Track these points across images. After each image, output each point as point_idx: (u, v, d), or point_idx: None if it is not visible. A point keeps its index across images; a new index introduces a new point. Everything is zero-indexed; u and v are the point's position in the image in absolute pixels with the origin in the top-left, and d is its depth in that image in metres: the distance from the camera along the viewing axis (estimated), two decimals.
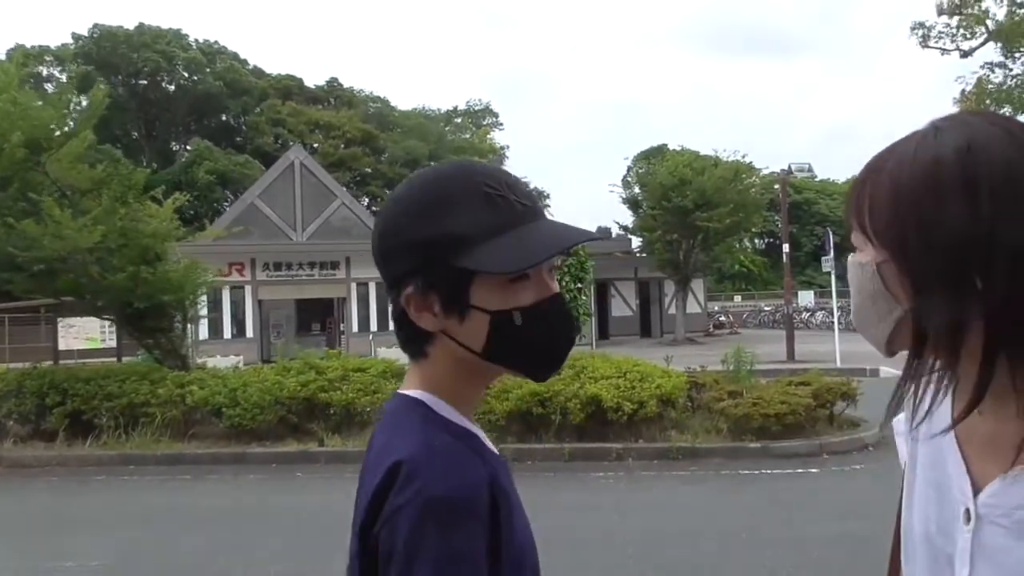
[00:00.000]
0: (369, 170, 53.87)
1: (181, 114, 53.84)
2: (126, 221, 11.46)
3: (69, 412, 10.73)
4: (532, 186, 57.62)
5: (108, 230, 11.05)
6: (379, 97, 61.96)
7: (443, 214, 1.02)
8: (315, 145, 51.93)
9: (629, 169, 41.96)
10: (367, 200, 49.82)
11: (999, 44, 28.61)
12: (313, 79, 65.58)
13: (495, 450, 1.10)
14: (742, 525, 6.48)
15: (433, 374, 1.08)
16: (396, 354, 19.03)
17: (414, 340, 1.08)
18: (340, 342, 26.78)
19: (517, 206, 1.04)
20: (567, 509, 7.31)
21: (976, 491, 0.95)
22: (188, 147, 51.72)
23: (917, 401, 1.00)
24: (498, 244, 1.01)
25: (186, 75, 53.32)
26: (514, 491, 1.06)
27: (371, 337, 25.40)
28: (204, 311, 18.29)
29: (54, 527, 7.25)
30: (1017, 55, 28.73)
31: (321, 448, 9.95)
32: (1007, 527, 0.92)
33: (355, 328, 28.27)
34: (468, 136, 55.05)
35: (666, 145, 41.38)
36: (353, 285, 28.46)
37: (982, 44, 29.08)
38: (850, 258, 0.99)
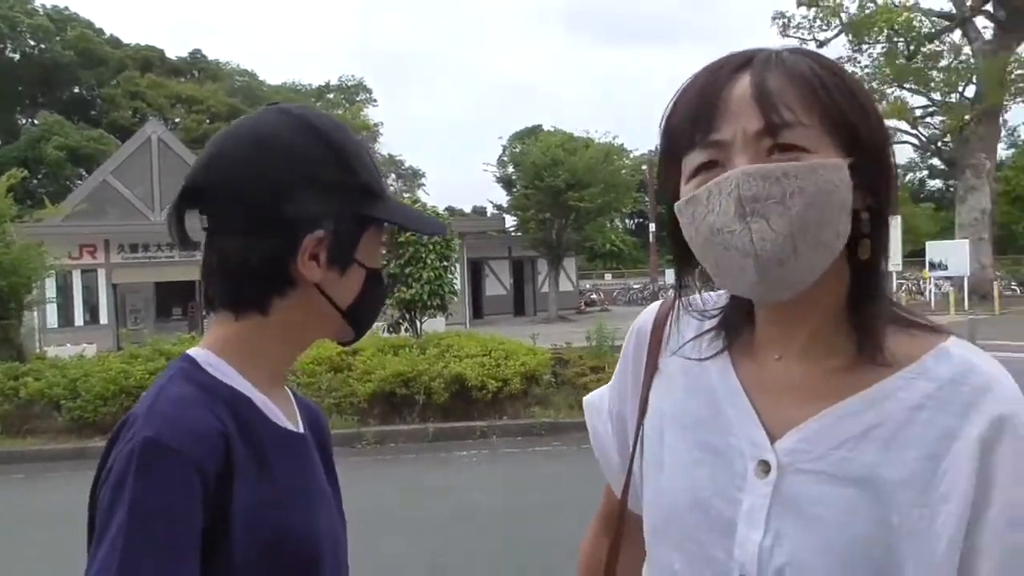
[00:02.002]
0: None
1: (27, 85, 50.13)
2: None
3: None
4: (407, 164, 57.21)
5: None
6: (246, 71, 59.80)
7: (356, 163, 1.01)
8: (177, 120, 49.56)
9: (504, 149, 42.15)
10: None
11: (850, 36, 30.26)
12: (175, 50, 62.68)
13: (285, 422, 1.03)
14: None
15: (250, 335, 1.01)
16: None
17: (265, 292, 1.00)
18: (203, 327, 25.70)
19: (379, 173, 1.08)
20: (430, 490, 7.23)
21: (772, 441, 0.89)
22: (35, 121, 48.28)
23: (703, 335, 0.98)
24: (392, 203, 1.05)
25: (32, 43, 49.70)
26: (294, 469, 1.00)
27: None
28: (50, 297, 17.08)
29: None
30: (865, 47, 30.49)
31: None
32: (820, 472, 0.85)
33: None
34: (341, 112, 53.74)
35: (541, 126, 41.82)
36: None
37: (836, 35, 30.71)
38: (811, 162, 0.82)
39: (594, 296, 37.54)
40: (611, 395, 1.14)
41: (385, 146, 58.63)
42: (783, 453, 0.87)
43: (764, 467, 0.88)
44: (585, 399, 1.21)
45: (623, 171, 31.67)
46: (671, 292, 1.05)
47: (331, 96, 57.35)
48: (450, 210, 45.30)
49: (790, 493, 0.86)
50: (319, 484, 1.05)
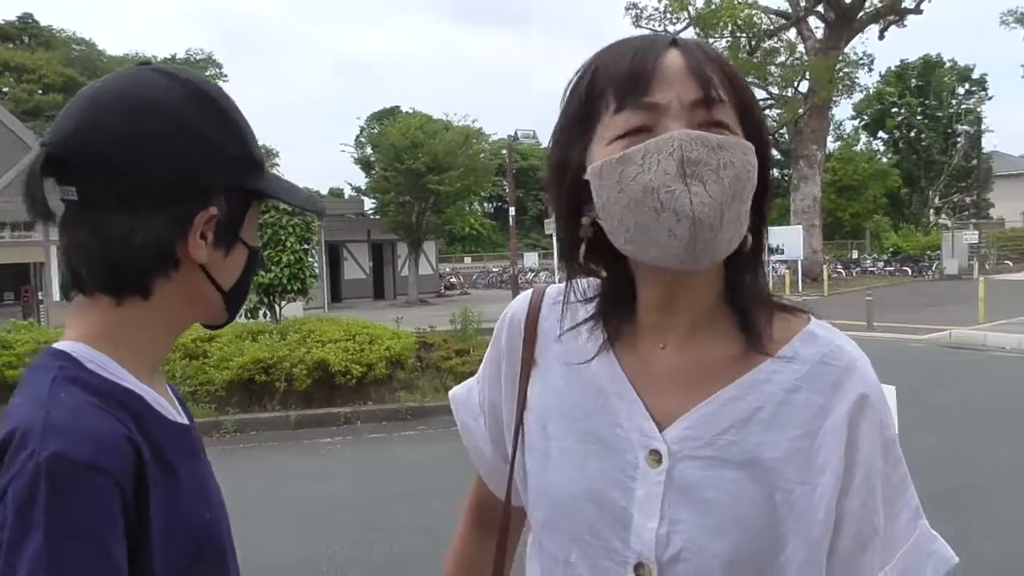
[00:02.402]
0: None
1: None
2: None
3: None
4: (261, 143, 55.31)
5: None
6: (84, 39, 55.74)
7: (244, 132, 0.95)
8: (4, 90, 45.65)
9: (362, 130, 41.46)
10: None
11: (698, 29, 31.59)
12: (1, 14, 57.49)
13: (176, 416, 0.96)
14: (472, 480, 6.64)
15: (126, 321, 0.91)
16: None
17: (148, 273, 0.90)
18: (39, 313, 23.96)
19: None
20: (294, 478, 7.11)
21: (660, 430, 0.91)
22: None
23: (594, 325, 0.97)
24: (274, 176, 0.98)
25: None
26: (191, 464, 0.94)
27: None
28: None
29: None
30: (711, 40, 31.94)
31: None
32: (709, 457, 0.89)
33: (57, 296, 25.46)
34: None
35: (399, 107, 41.34)
36: (53, 248, 25.53)
37: (685, 28, 31.94)
38: (740, 140, 0.85)
39: (454, 280, 37.63)
40: (481, 387, 1.11)
41: None
42: (672, 441, 0.89)
43: (655, 456, 0.89)
44: (451, 393, 1.17)
45: (482, 155, 31.83)
46: (540, 280, 1.09)
47: None
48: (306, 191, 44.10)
49: (681, 480, 0.88)
50: (211, 474, 1.01)
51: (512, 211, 23.49)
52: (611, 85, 0.86)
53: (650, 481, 0.90)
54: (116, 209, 0.87)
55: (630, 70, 0.85)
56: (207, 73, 53.93)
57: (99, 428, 0.82)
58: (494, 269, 42.03)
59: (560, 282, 1.03)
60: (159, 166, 0.88)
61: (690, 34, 31.65)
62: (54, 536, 0.76)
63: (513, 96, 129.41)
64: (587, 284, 1.00)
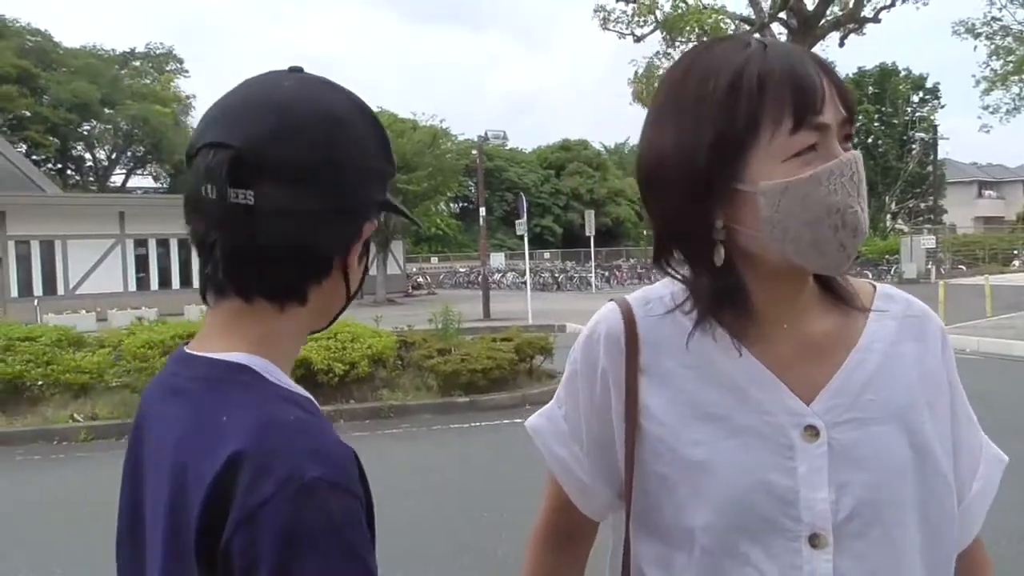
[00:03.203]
0: (27, 113, 47.20)
1: None
2: None
3: None
4: None
5: None
6: (38, 30, 54.30)
7: (389, 147, 0.96)
8: None
9: None
10: (24, 147, 43.71)
11: (664, 33, 31.92)
12: None
13: None
14: (456, 478, 6.69)
15: (278, 329, 0.90)
16: (70, 320, 17.07)
17: (307, 280, 0.90)
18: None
19: None
20: None
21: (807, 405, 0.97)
22: None
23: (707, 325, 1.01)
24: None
25: None
26: None
27: (36, 303, 22.45)
28: None
29: None
30: (678, 45, 32.26)
31: None
32: (856, 419, 0.97)
33: (14, 293, 24.86)
34: (149, 82, 50.24)
35: None
36: (11, 244, 24.94)
37: (652, 31, 32.24)
38: (857, 153, 0.93)
39: (421, 280, 37.55)
40: (567, 412, 1.11)
41: (198, 120, 55.53)
42: (822, 413, 0.96)
43: (810, 431, 0.95)
44: (531, 426, 1.16)
45: (448, 155, 31.82)
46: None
47: (137, 64, 53.39)
48: None
49: (839, 446, 0.95)
50: None
51: (483, 211, 23.50)
52: (784, 102, 0.89)
53: (811, 455, 0.95)
54: (292, 216, 0.86)
55: (802, 86, 0.89)
56: (168, 68, 53.08)
57: (340, 448, 0.82)
58: (461, 269, 41.97)
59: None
60: (345, 179, 0.89)
61: (656, 38, 31.87)
62: (327, 559, 0.76)
63: (473, 96, 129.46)
64: (669, 292, 1.05)
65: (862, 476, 0.95)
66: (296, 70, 0.94)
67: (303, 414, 0.84)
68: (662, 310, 1.04)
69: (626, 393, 1.02)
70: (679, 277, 1.01)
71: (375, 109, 0.96)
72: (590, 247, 30.21)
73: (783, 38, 32.31)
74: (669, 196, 0.97)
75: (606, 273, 35.58)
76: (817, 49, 34.17)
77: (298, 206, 0.86)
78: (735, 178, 0.92)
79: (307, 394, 0.91)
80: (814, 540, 0.94)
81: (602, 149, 51.71)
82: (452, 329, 10.84)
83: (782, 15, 32.22)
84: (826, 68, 0.93)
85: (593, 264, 31.83)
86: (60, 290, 25.61)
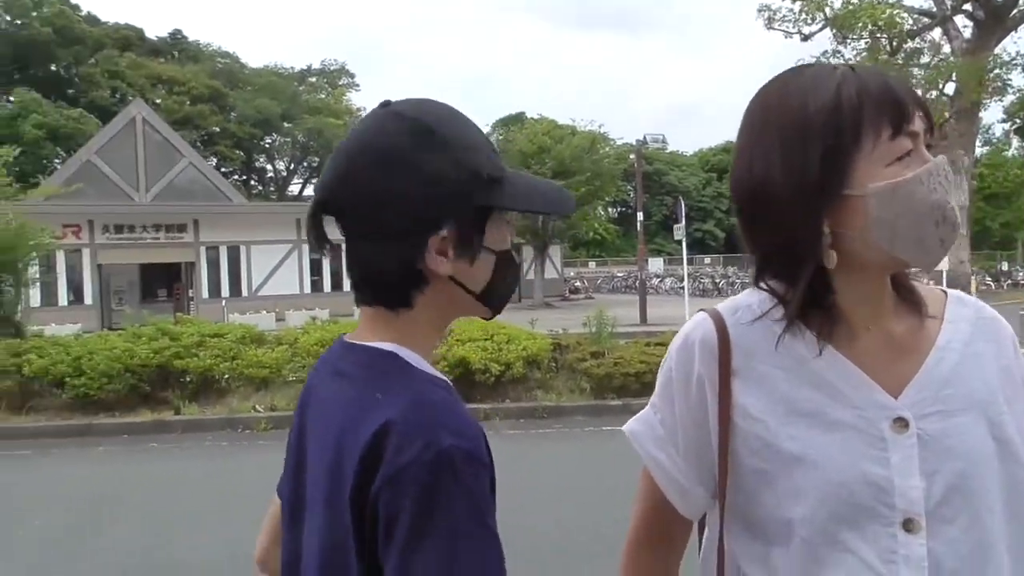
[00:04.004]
0: (217, 129, 51.48)
1: (3, 62, 49.27)
2: None
3: None
4: None
5: None
6: (227, 52, 59.12)
7: (473, 156, 1.03)
8: (157, 101, 48.98)
9: (488, 135, 42.04)
10: (215, 160, 47.56)
11: (834, 31, 30.55)
12: (154, 30, 61.78)
13: None
14: (607, 480, 6.72)
15: (410, 325, 1.05)
16: (253, 320, 18.43)
17: (404, 288, 1.04)
18: (189, 309, 25.58)
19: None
20: None
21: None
22: (11, 99, 47.48)
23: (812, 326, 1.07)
24: (513, 184, 1.06)
25: (8, 18, 48.82)
26: None
27: (224, 303, 24.41)
28: (37, 275, 17.01)
29: None
30: (849, 42, 30.81)
31: (177, 417, 9.51)
32: (940, 411, 1.04)
33: (205, 294, 27.10)
34: (323, 96, 53.36)
35: (524, 113, 41.76)
36: (203, 249, 27.21)
37: (820, 29, 30.93)
38: (944, 158, 1.04)
39: (578, 284, 37.73)
40: (667, 419, 1.17)
41: None
42: (910, 406, 1.04)
43: (900, 423, 1.03)
44: (629, 430, 1.23)
45: (607, 160, 31.82)
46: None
47: (313, 80, 56.85)
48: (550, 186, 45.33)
49: (927, 436, 1.02)
50: None
51: (640, 215, 23.37)
52: (883, 113, 1.00)
53: (903, 446, 1.02)
54: (367, 239, 1.03)
55: (895, 99, 1.01)
56: (340, 82, 56.07)
57: (472, 423, 0.95)
58: (618, 274, 41.83)
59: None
60: (395, 208, 1.01)
61: (826, 35, 30.48)
62: (460, 518, 0.88)
63: (631, 101, 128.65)
64: (756, 300, 1.12)
65: (950, 464, 1.02)
66: (384, 104, 1.08)
67: (445, 395, 0.98)
68: (751, 317, 1.11)
69: (720, 395, 1.09)
70: (775, 291, 1.09)
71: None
72: None
73: (967, 32, 30.26)
74: (778, 211, 1.04)
75: None
76: (1008, 42, 31.72)
77: (366, 232, 1.03)
78: (844, 184, 1.01)
79: (445, 378, 1.05)
80: (908, 525, 1.00)
81: None
82: (606, 333, 10.87)
83: (967, 7, 30.13)
84: (906, 85, 1.05)
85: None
86: (244, 292, 27.65)
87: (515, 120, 40.28)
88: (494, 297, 1.09)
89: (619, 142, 32.97)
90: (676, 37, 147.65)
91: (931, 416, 1.03)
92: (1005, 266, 36.72)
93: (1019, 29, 30.59)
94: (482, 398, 9.59)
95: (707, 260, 47.88)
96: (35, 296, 21.78)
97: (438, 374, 1.04)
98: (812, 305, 1.06)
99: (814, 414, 1.04)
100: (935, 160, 1.02)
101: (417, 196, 1.00)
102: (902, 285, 1.11)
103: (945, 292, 1.15)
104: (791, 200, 1.02)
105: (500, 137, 37.03)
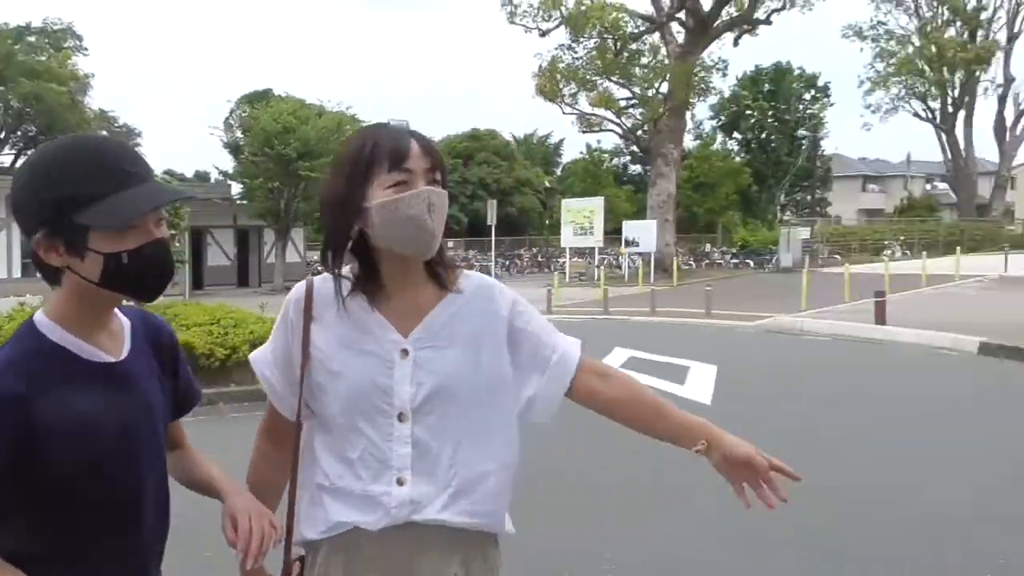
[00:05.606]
0: None
1: None
2: None
3: None
4: (121, 122, 52.17)
5: None
6: None
7: (65, 180, 1.29)
8: None
9: (232, 112, 40.11)
10: None
11: (568, 29, 32.59)
12: None
13: (104, 357, 1.39)
14: None
15: (60, 299, 1.37)
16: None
17: (46, 273, 1.36)
18: None
19: (121, 173, 1.32)
20: None
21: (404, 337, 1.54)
22: None
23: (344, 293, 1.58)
24: (107, 204, 1.29)
25: None
26: (99, 392, 1.36)
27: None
28: None
29: None
30: (581, 40, 32.96)
31: None
32: (433, 345, 1.55)
33: None
34: (45, 58, 48.08)
35: (271, 90, 40.18)
36: None
37: (556, 27, 32.82)
38: (446, 192, 1.53)
39: (321, 267, 37.08)
40: (275, 346, 1.64)
41: (96, 100, 52.94)
42: (412, 342, 1.54)
43: (404, 353, 1.54)
44: (251, 356, 1.70)
45: None
46: (314, 273, 1.67)
47: (32, 39, 50.92)
48: (170, 173, 42.14)
49: (420, 361, 1.54)
50: (127, 395, 1.41)
51: None
52: (384, 155, 1.50)
53: (403, 366, 1.54)
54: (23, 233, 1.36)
55: (393, 148, 1.50)
56: (66, 45, 50.87)
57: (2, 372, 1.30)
58: None
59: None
60: (17, 216, 1.35)
61: (561, 34, 32.09)
62: None
63: (381, 84, 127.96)
64: (352, 273, 1.60)
65: (432, 379, 1.54)
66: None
67: (15, 342, 1.35)
68: (331, 285, 1.59)
69: (304, 333, 1.58)
70: (338, 274, 1.58)
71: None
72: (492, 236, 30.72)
73: (680, 37, 33.49)
74: (331, 215, 1.55)
75: (507, 262, 36.10)
76: (715, 47, 35.42)
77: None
78: (364, 199, 1.50)
79: (58, 341, 1.36)
80: (401, 417, 1.54)
81: (511, 139, 51.87)
82: None
83: (680, 15, 33.32)
84: (420, 138, 1.54)
85: (494, 253, 32.15)
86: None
87: (261, 97, 38.62)
88: (118, 285, 1.34)
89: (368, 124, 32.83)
90: (437, 18, 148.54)
91: (425, 349, 1.54)
92: (708, 248, 40.63)
93: (722, 37, 34.51)
94: (207, 383, 9.62)
95: (451, 244, 49.22)
96: None
97: (59, 336, 1.35)
98: (367, 279, 1.56)
99: (352, 346, 1.54)
100: (419, 190, 1.48)
101: (30, 204, 1.32)
102: (435, 266, 1.58)
103: (464, 270, 1.64)
104: (337, 208, 1.53)
105: (243, 115, 35.68)
